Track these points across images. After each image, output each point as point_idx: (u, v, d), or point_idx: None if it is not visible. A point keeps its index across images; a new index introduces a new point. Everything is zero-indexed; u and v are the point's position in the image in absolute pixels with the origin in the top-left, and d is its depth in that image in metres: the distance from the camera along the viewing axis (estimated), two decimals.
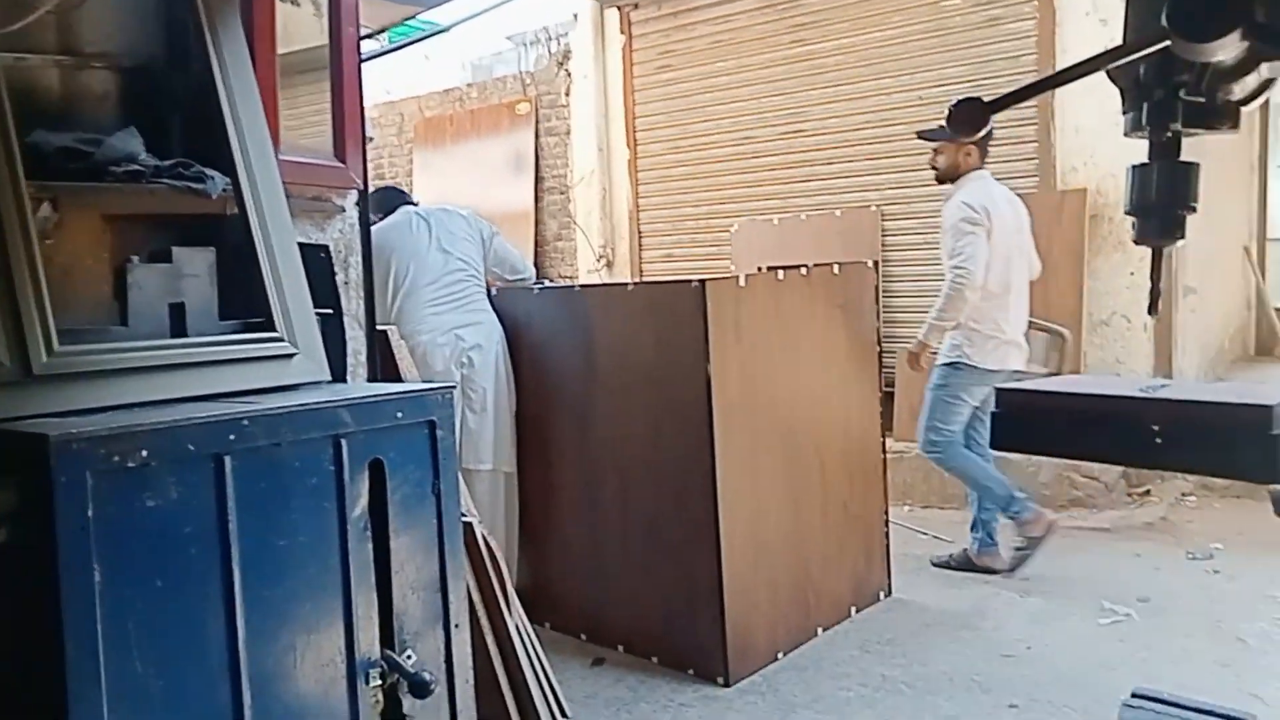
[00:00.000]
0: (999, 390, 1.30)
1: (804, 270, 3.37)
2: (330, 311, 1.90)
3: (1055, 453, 1.64)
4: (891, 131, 5.36)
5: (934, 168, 4.05)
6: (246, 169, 1.86)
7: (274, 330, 1.69)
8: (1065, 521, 4.49)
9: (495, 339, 3.47)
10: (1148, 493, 4.74)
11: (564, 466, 3.44)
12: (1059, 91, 4.80)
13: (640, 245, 6.39)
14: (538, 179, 6.68)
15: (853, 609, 3.52)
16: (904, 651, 3.19)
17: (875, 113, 5.42)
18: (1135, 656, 3.05)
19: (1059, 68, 4.33)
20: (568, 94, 6.62)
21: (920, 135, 4.13)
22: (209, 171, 1.91)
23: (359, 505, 1.51)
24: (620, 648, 3.29)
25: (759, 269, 3.94)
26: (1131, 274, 4.76)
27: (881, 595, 3.67)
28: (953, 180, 3.96)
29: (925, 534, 4.49)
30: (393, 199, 3.76)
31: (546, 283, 4.68)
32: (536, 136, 6.67)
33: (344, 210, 2.30)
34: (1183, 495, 4.69)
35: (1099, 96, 4.66)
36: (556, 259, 6.60)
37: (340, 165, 2.27)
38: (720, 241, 5.99)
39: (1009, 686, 2.89)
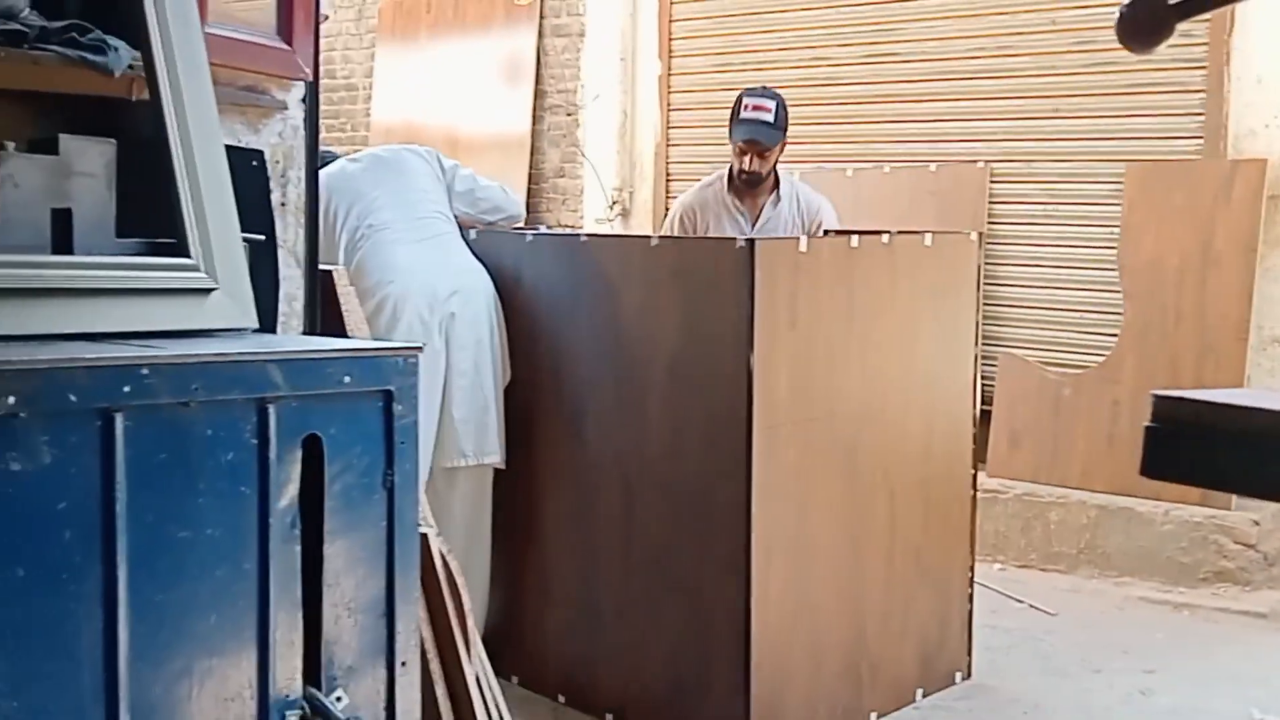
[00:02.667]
0: (1157, 396, 1.30)
1: (885, 238, 3.37)
2: (261, 237, 1.90)
3: (1226, 486, 1.63)
4: (1011, 64, 5.34)
5: (750, 174, 4.19)
6: (163, 41, 1.85)
7: (188, 256, 1.69)
8: (1209, 600, 4.51)
9: (484, 293, 3.49)
10: None
11: (552, 473, 3.45)
12: (1240, 29, 4.78)
13: (668, 191, 6.39)
14: (538, 94, 6.68)
15: (919, 692, 3.52)
16: None
17: (991, 36, 5.40)
18: None
19: None
20: None
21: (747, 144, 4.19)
22: (112, 40, 1.91)
23: (287, 494, 1.51)
24: (609, 717, 3.31)
25: (825, 232, 3.95)
26: None
27: (958, 678, 3.67)
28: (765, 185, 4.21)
29: (1021, 602, 4.49)
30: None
31: (543, 229, 4.68)
32: (540, 37, 6.67)
33: (286, 108, 2.31)
34: None
35: None
36: (556, 201, 6.61)
37: (285, 48, 2.26)
38: None
39: None
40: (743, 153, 4.20)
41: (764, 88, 4.38)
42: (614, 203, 6.41)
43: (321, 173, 3.57)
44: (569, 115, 6.58)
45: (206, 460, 1.43)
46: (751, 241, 2.98)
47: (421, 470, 3.18)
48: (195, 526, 1.42)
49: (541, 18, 6.67)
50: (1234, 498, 4.72)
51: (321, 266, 2.37)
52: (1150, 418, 1.29)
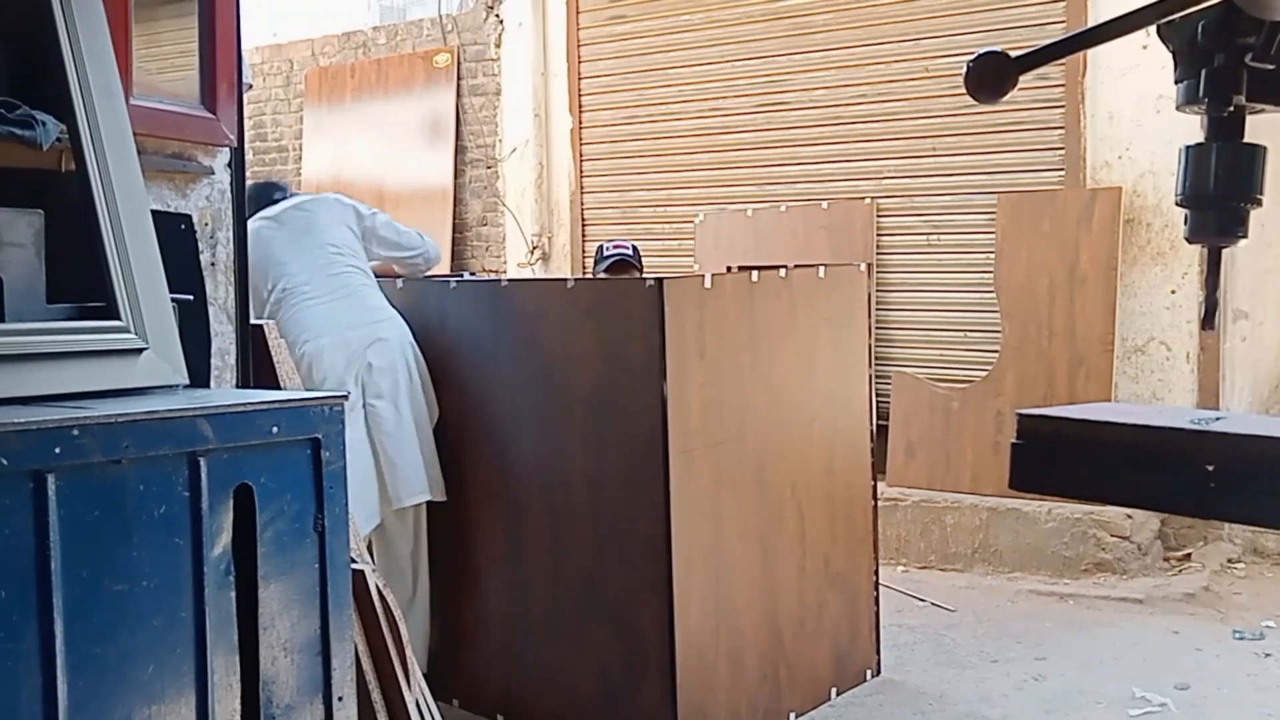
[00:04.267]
0: (1021, 415, 1.31)
1: (783, 272, 3.39)
2: (190, 297, 1.86)
3: (1085, 495, 1.65)
4: (891, 109, 5.45)
5: None
6: (87, 114, 1.82)
7: (118, 319, 1.65)
8: (1091, 590, 4.59)
9: (399, 341, 3.43)
10: (1188, 557, 4.84)
11: (481, 505, 3.40)
12: (1092, 71, 4.93)
13: (584, 235, 6.39)
14: (459, 149, 6.66)
15: (833, 690, 3.53)
16: None
17: (872, 85, 5.50)
18: None
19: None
20: (498, 45, 6.62)
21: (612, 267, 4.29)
22: (40, 115, 1.87)
23: (220, 543, 1.47)
24: None
25: (728, 268, 3.98)
26: (1173, 292, 4.89)
27: (869, 674, 3.68)
28: None
29: (923, 601, 4.53)
30: (268, 193, 3.71)
31: (466, 275, 4.64)
32: (459, 96, 6.65)
33: (212, 173, 2.26)
34: (1229, 561, 4.80)
35: (1138, 77, 4.81)
36: (480, 248, 6.57)
37: (209, 116, 2.23)
38: (682, 234, 6.02)
39: None
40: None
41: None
42: (534, 248, 6.39)
43: (253, 223, 3.51)
44: (489, 168, 6.56)
45: (139, 514, 1.39)
46: (660, 279, 2.99)
47: (364, 516, 3.14)
48: (131, 579, 1.37)
49: (459, 79, 6.65)
50: None
51: (254, 321, 2.31)
52: (1015, 434, 1.31)
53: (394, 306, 3.51)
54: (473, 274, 5.04)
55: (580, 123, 6.38)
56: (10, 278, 1.63)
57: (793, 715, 3.37)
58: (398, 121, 6.86)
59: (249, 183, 3.94)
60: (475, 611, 3.45)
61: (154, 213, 1.90)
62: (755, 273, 3.29)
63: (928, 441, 5.23)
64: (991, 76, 1.26)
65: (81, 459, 1.33)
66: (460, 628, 3.49)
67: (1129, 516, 4.76)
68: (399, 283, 3.61)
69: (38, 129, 1.85)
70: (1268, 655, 3.89)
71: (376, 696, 2.46)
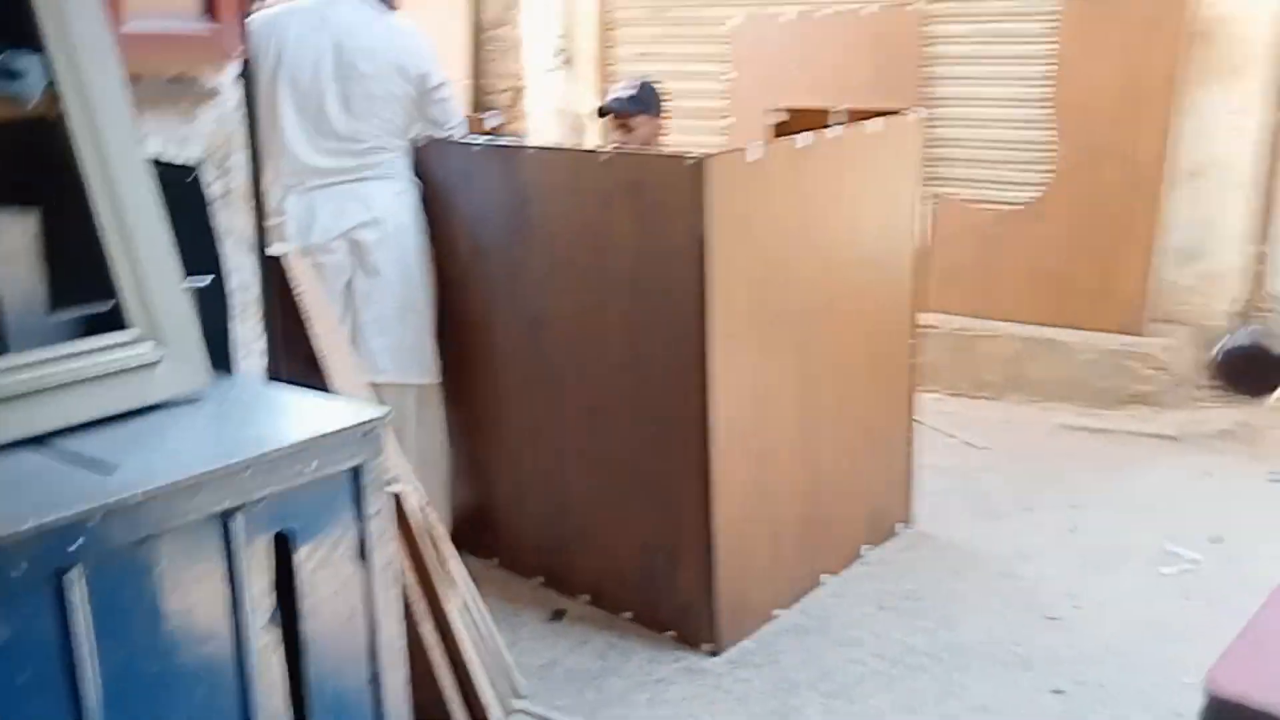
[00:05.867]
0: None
1: (832, 133, 3.12)
2: (207, 280, 1.67)
3: None
4: None
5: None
6: (72, 68, 1.57)
7: (128, 326, 1.47)
8: (1126, 424, 4.51)
9: (401, 209, 3.26)
10: None
11: (514, 378, 3.28)
12: None
13: (610, 39, 5.96)
14: None
15: (865, 547, 3.51)
16: (928, 610, 3.20)
17: None
18: (1204, 621, 3.08)
19: None
20: None
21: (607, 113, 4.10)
22: (20, 63, 1.62)
23: (260, 601, 1.34)
24: (586, 597, 3.27)
25: (771, 127, 3.66)
26: (1237, 113, 4.52)
27: (900, 527, 3.66)
28: None
29: (954, 438, 4.47)
30: None
31: (492, 114, 4.35)
32: None
33: (219, 93, 2.01)
34: None
35: None
36: (499, 53, 6.15)
37: (213, 26, 1.95)
38: (713, 39, 5.59)
39: (1053, 663, 2.92)
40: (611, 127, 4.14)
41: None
42: (559, 52, 5.97)
43: (280, 12, 3.21)
44: None
45: (171, 589, 1.26)
46: (699, 158, 2.74)
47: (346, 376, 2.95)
48: (168, 657, 1.26)
49: None
50: (1151, 323, 4.68)
51: (270, 252, 2.12)
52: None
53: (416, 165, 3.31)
54: (499, 117, 4.68)
55: None
56: (8, 297, 1.44)
57: (824, 576, 3.36)
58: None
59: None
60: (513, 477, 3.39)
61: (157, 165, 1.69)
62: (802, 137, 3.02)
63: (969, 266, 5.01)
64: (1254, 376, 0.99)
65: (106, 544, 1.20)
66: (498, 492, 3.44)
67: (1167, 348, 4.63)
68: (418, 139, 3.36)
69: (22, 80, 1.61)
70: None
71: (420, 608, 2.43)
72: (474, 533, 3.47)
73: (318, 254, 3.19)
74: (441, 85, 3.33)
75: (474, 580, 2.76)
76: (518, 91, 6.12)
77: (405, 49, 3.27)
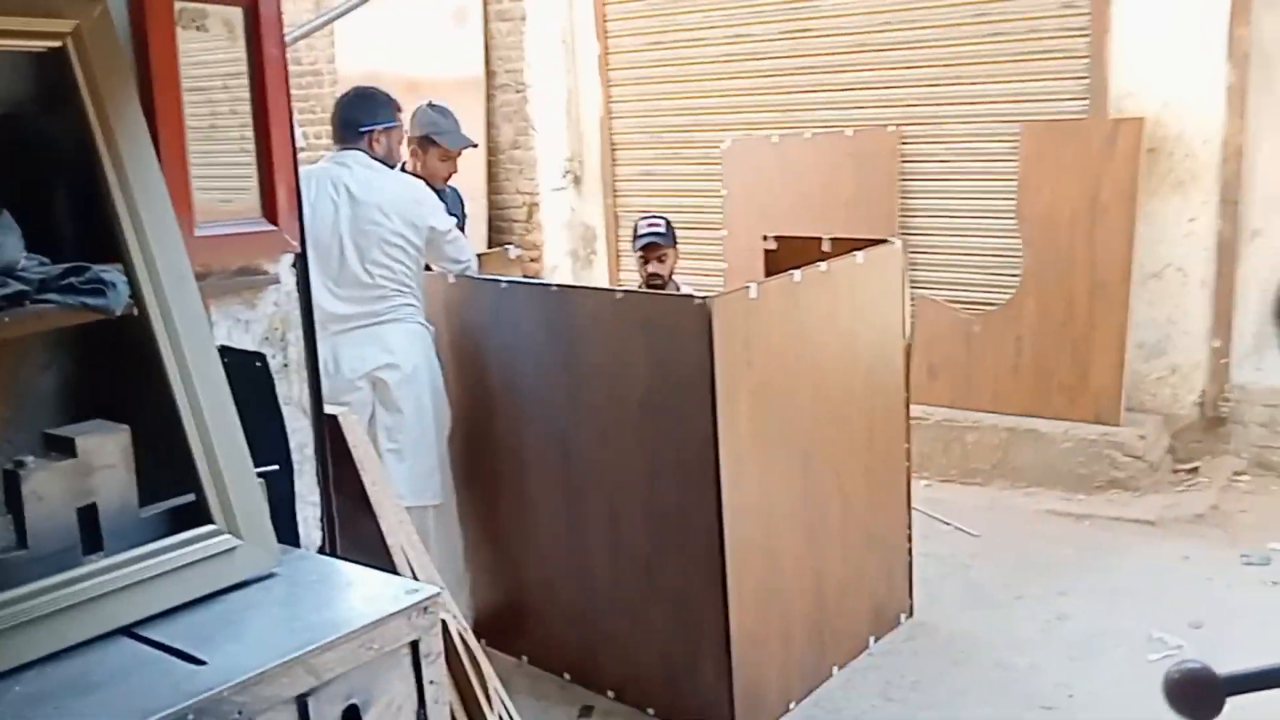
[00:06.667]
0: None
1: (823, 266, 3.40)
2: (275, 467, 1.88)
3: None
4: (916, 36, 5.29)
5: (652, 276, 4.36)
6: (151, 277, 1.74)
7: (210, 521, 1.67)
8: (1106, 509, 4.72)
9: (415, 351, 3.55)
10: (1196, 470, 4.95)
11: (543, 491, 3.52)
12: None
13: (613, 160, 6.32)
14: (488, 75, 6.47)
15: (871, 639, 3.71)
16: (931, 699, 3.39)
17: (897, 12, 5.33)
18: None
19: None
20: None
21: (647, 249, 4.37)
22: (109, 276, 1.75)
23: None
24: (611, 693, 3.46)
25: (764, 239, 3.96)
26: (1191, 220, 4.85)
27: (902, 618, 3.86)
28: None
29: (948, 524, 4.67)
30: (359, 115, 3.63)
31: (511, 249, 4.64)
32: (485, 22, 6.44)
33: (278, 281, 2.26)
34: (1235, 475, 4.91)
35: (1164, 4, 4.63)
36: (514, 172, 6.50)
37: (272, 228, 2.18)
38: (708, 159, 5.94)
39: None
40: (645, 260, 4.37)
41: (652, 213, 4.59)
42: (567, 172, 6.32)
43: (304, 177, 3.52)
44: (518, 93, 6.42)
45: None
46: (706, 298, 3.01)
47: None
48: None
49: (485, 4, 6.43)
50: (1124, 413, 4.93)
51: (328, 411, 2.37)
52: None
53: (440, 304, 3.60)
54: (518, 249, 4.98)
55: (606, 49, 6.21)
56: (105, 503, 1.62)
57: (835, 668, 3.56)
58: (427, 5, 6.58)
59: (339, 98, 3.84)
60: (542, 579, 3.60)
61: (226, 354, 1.87)
62: (797, 274, 3.30)
63: (950, 363, 5.30)
64: (1194, 699, 1.23)
65: None
66: (529, 594, 3.65)
67: (1141, 437, 4.87)
68: (450, 278, 3.65)
69: (109, 294, 1.73)
70: (1275, 584, 4.03)
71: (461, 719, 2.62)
72: (503, 631, 3.67)
73: (343, 393, 3.46)
74: (449, 230, 3.67)
75: (503, 678, 2.95)
76: (532, 207, 6.46)
77: (413, 202, 3.61)
